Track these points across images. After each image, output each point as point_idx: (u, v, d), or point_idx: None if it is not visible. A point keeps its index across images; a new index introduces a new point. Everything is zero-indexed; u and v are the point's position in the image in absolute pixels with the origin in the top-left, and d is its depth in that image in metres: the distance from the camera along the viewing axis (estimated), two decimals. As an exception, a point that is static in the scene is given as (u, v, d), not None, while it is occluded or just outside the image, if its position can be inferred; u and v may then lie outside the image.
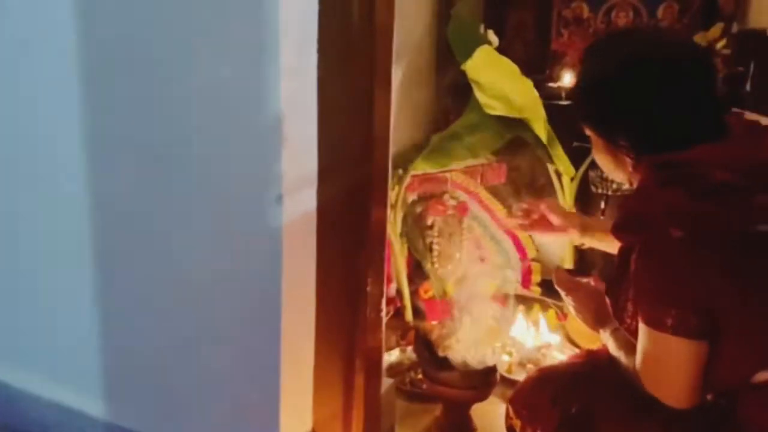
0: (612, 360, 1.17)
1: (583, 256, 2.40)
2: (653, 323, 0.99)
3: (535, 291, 2.39)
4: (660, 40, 1.10)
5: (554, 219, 1.46)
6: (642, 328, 1.02)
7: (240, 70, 1.07)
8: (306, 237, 1.20)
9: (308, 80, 1.13)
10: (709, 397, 1.05)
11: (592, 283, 1.93)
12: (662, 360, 1.01)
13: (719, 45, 2.16)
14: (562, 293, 1.33)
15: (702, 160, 0.98)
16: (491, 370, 1.56)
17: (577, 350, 1.98)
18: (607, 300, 1.15)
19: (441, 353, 1.67)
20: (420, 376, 1.79)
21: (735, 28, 2.15)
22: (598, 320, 1.24)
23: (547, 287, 2.41)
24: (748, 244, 0.96)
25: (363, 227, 1.23)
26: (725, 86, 2.04)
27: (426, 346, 1.63)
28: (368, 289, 1.26)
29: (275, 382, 1.17)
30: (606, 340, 1.21)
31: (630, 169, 1.10)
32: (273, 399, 1.19)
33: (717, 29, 2.20)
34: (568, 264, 2.33)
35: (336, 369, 1.27)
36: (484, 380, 1.55)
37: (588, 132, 1.16)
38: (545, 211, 1.47)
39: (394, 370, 1.87)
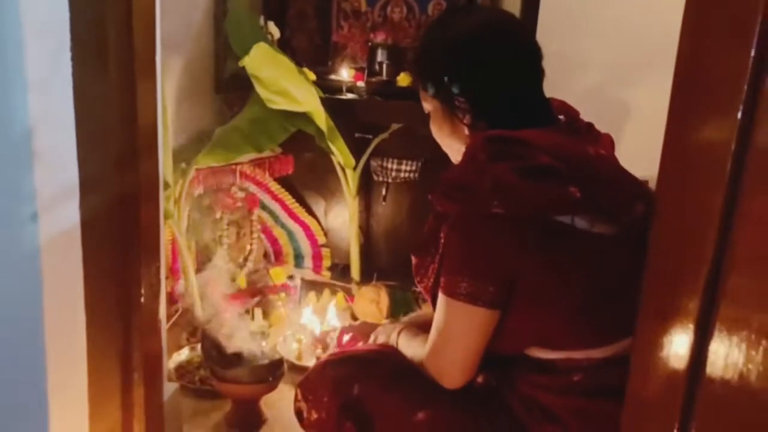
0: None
1: (369, 238, 2.56)
2: (450, 290, 1.03)
3: (326, 275, 2.49)
4: (508, 17, 1.19)
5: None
6: (440, 296, 1.06)
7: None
8: (69, 252, 1.14)
9: (62, 89, 1.06)
10: (480, 380, 1.12)
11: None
12: (451, 325, 1.05)
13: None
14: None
15: (532, 141, 1.02)
16: (278, 363, 1.62)
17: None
18: (413, 259, 1.18)
19: (230, 350, 1.69)
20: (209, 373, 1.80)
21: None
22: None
23: (336, 271, 2.53)
24: (553, 230, 1.01)
25: (133, 236, 1.21)
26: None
27: (213, 345, 1.65)
28: (142, 299, 1.25)
29: (43, 409, 1.12)
30: (398, 342, 1.27)
31: (465, 136, 1.13)
32: (41, 423, 1.13)
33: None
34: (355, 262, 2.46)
35: (112, 384, 1.23)
36: (271, 373, 1.61)
37: (426, 102, 1.18)
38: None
39: (184, 369, 1.86)
